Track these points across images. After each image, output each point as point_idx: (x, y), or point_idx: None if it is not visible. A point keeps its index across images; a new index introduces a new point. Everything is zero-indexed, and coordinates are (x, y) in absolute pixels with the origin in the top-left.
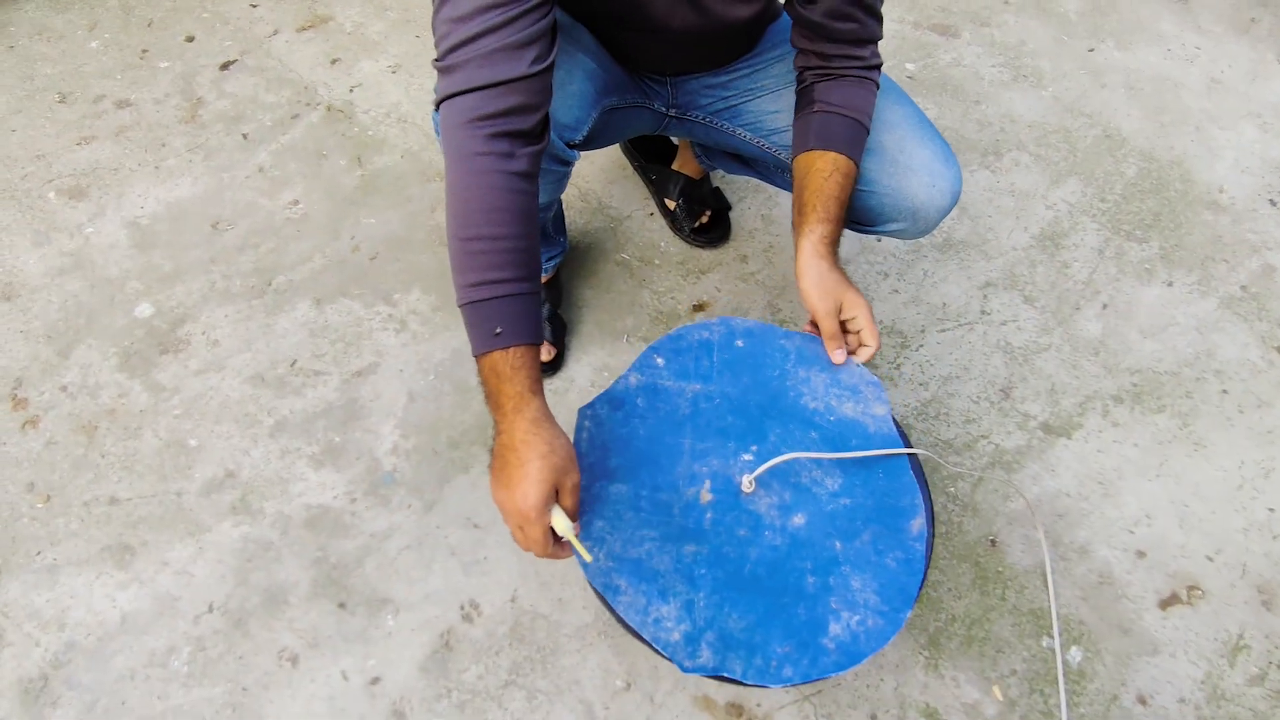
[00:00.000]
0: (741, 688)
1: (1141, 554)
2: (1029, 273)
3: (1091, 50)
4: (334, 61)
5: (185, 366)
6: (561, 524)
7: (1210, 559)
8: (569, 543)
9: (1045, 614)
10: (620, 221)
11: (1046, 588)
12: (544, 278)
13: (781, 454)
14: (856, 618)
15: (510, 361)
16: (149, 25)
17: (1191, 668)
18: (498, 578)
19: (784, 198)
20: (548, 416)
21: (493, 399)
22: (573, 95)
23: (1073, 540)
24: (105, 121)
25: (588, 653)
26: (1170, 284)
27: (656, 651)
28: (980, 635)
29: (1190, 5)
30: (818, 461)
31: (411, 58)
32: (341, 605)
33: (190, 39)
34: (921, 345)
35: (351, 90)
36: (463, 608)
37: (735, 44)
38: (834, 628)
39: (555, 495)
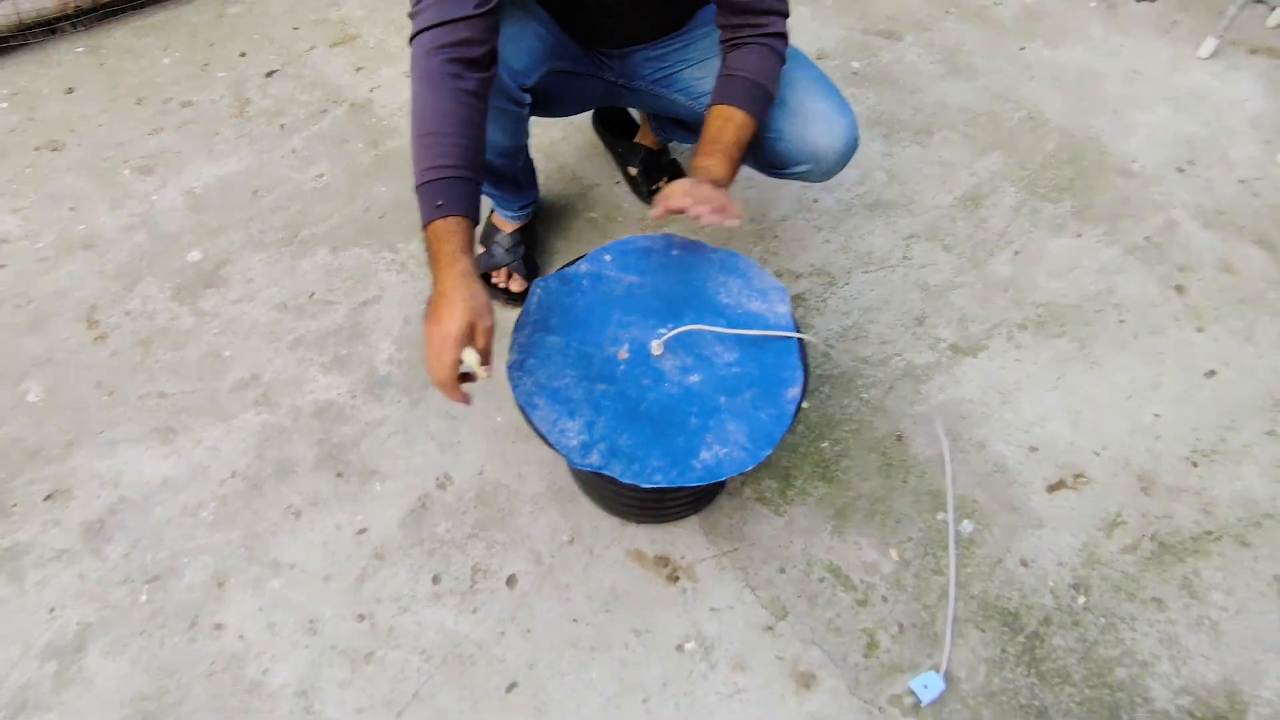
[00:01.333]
0: (670, 543)
1: (1034, 449)
2: (949, 226)
3: (1023, 49)
4: (358, 69)
5: (224, 297)
6: (470, 357)
7: (1097, 454)
8: (471, 385)
9: (942, 494)
10: (591, 188)
11: (945, 472)
12: (520, 224)
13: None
14: (725, 450)
15: (448, 227)
16: (211, 45)
17: (1071, 539)
18: (469, 456)
19: None
20: (474, 273)
21: (433, 258)
22: (524, 49)
23: (971, 437)
24: (172, 117)
25: (539, 514)
26: (1079, 235)
27: (556, 450)
28: (882, 510)
29: (1118, 12)
30: (719, 338)
31: None
32: (339, 475)
33: (243, 54)
34: (847, 284)
35: (371, 90)
36: (438, 478)
37: (666, 18)
38: (704, 455)
39: (471, 335)
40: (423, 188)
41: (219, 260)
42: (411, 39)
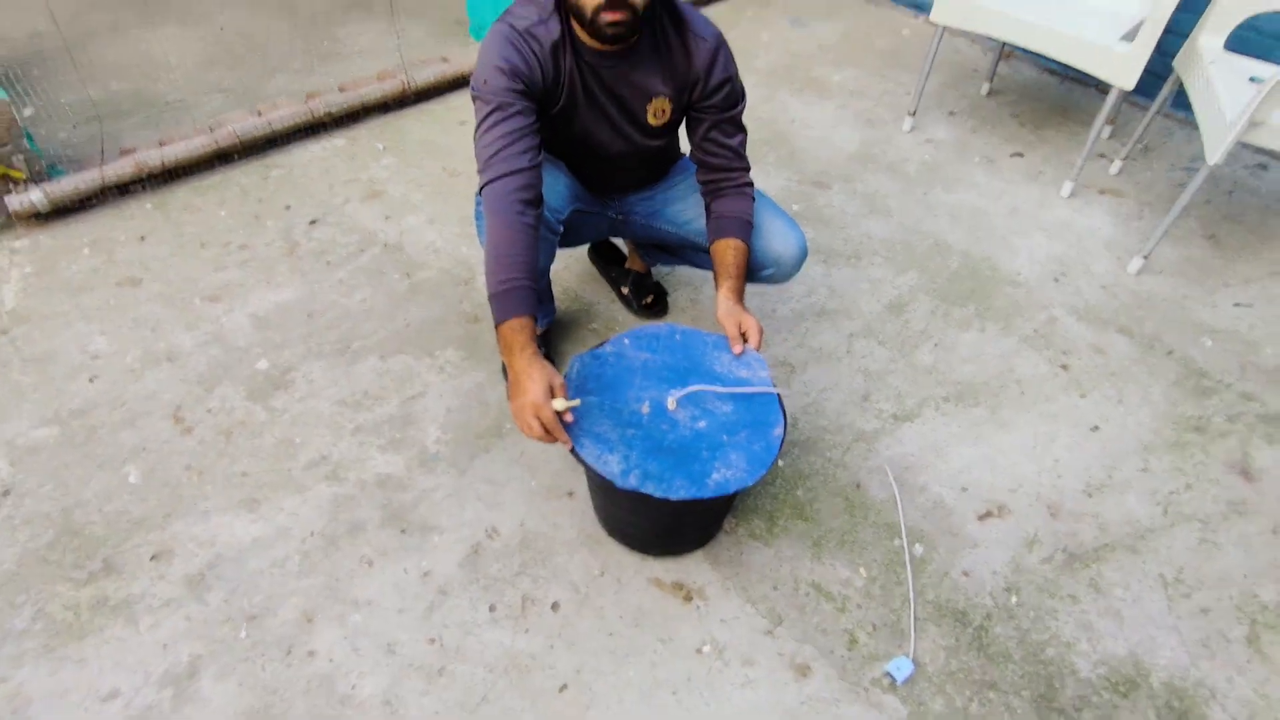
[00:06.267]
0: (683, 572)
1: (964, 489)
2: (881, 327)
3: (926, 194)
4: (387, 218)
5: (291, 396)
6: (560, 403)
7: (1013, 491)
8: (566, 422)
9: (896, 526)
10: (591, 306)
11: (897, 509)
12: (540, 333)
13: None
14: (729, 472)
15: (520, 324)
16: (260, 201)
17: (1001, 553)
18: (511, 511)
19: (706, 289)
20: (539, 354)
21: (506, 348)
22: (558, 193)
23: (914, 482)
24: (232, 257)
25: (574, 554)
26: (983, 330)
27: (602, 476)
28: (850, 539)
29: (996, 165)
30: (718, 395)
31: (441, 214)
32: (403, 531)
33: (288, 207)
34: (805, 372)
35: (401, 234)
36: (487, 530)
37: (654, 171)
38: (715, 475)
39: (551, 392)
40: (496, 296)
41: (284, 368)
42: (482, 188)
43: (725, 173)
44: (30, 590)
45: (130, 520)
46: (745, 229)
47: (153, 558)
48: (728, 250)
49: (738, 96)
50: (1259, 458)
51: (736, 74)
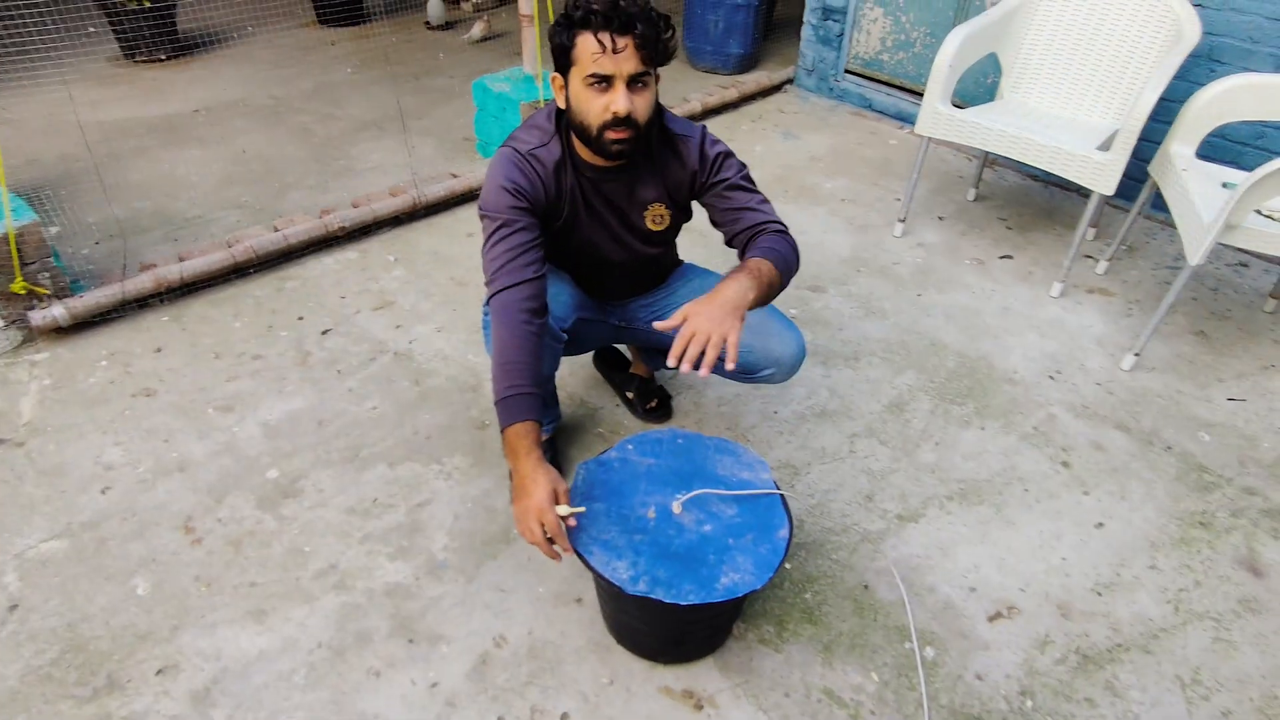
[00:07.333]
0: (692, 680)
1: (973, 589)
2: (882, 427)
3: (919, 295)
4: (397, 327)
5: (301, 505)
6: (564, 509)
7: (1022, 590)
8: (567, 531)
9: (906, 629)
10: (597, 410)
11: (906, 611)
12: (546, 438)
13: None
14: (737, 576)
15: (523, 429)
16: (274, 312)
17: (1013, 656)
18: (519, 619)
19: (708, 392)
20: (544, 459)
21: (511, 453)
22: (563, 302)
23: (922, 583)
24: (245, 367)
25: (582, 662)
26: (983, 429)
27: (611, 584)
28: (860, 643)
29: (987, 266)
30: (723, 498)
31: (449, 323)
32: (410, 640)
33: (301, 318)
34: (809, 473)
35: (410, 342)
36: (494, 639)
37: (654, 278)
38: (723, 580)
39: (555, 499)
40: (502, 402)
41: (294, 476)
42: (490, 298)
43: (760, 225)
44: (30, 710)
45: (136, 634)
46: (780, 260)
47: (158, 672)
48: (758, 260)
49: (740, 164)
50: (1265, 553)
51: (729, 149)
